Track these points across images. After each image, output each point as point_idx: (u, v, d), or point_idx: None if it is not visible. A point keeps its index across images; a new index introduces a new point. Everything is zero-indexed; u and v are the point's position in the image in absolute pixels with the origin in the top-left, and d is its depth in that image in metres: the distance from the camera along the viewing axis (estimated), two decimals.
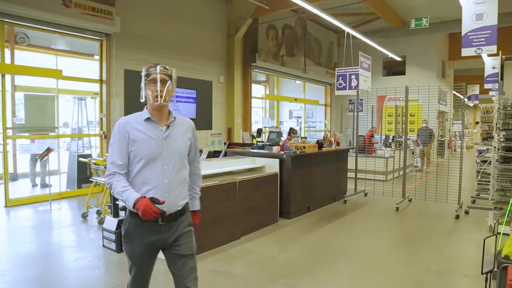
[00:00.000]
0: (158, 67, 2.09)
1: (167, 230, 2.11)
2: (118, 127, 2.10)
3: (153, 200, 1.90)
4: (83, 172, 7.75)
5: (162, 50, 9.08)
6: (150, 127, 2.09)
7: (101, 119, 8.20)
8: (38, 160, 7.24)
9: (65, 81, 7.93)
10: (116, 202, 4.56)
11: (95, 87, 8.39)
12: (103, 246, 4.58)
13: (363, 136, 10.60)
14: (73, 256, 4.32)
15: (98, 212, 5.85)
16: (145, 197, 1.93)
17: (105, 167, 5.34)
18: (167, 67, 2.14)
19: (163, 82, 2.08)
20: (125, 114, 8.24)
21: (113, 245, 4.42)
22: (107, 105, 8.06)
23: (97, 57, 8.39)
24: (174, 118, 2.18)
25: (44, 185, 8.11)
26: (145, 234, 2.08)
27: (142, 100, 2.18)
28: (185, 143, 2.19)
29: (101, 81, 8.15)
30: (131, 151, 2.07)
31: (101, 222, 5.46)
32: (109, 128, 8.07)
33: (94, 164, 5.73)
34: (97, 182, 5.83)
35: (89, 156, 8.04)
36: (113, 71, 8.07)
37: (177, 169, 2.13)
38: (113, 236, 4.40)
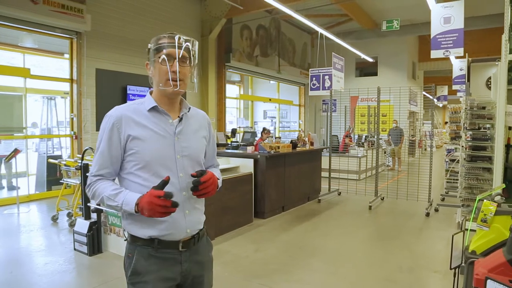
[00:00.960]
0: (176, 38, 1.49)
1: (189, 259, 1.58)
2: (108, 121, 1.51)
3: (157, 187, 1.40)
4: (53, 174, 7.54)
5: (135, 49, 8.92)
6: (156, 121, 1.54)
7: (72, 119, 7.99)
8: (3, 161, 6.98)
9: (33, 80, 7.69)
10: (88, 204, 4.44)
11: (65, 87, 8.16)
12: (74, 249, 4.46)
13: (337, 136, 10.79)
14: (43, 261, 4.18)
15: (69, 215, 5.69)
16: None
17: (76, 168, 5.22)
18: (187, 38, 1.54)
19: (183, 60, 1.51)
20: (97, 114, 8.09)
21: (85, 248, 4.31)
22: (78, 105, 7.86)
23: (67, 55, 8.16)
24: (189, 108, 1.65)
25: (11, 188, 7.83)
26: (161, 267, 1.52)
27: (152, 83, 1.62)
28: (200, 141, 1.67)
29: (71, 80, 7.94)
30: (128, 155, 1.51)
31: (72, 224, 5.32)
32: (80, 129, 7.87)
33: (65, 165, 5.58)
34: (67, 183, 5.67)
35: (59, 157, 7.81)
36: (84, 70, 7.88)
37: None
38: (84, 239, 4.29)
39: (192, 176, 1.49)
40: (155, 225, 1.50)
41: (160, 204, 1.36)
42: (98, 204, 1.24)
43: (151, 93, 1.61)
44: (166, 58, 1.48)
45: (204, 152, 1.70)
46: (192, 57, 1.55)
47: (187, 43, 1.52)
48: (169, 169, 1.51)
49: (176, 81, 1.48)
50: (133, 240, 1.54)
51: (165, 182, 1.40)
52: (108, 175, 1.54)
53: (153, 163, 1.48)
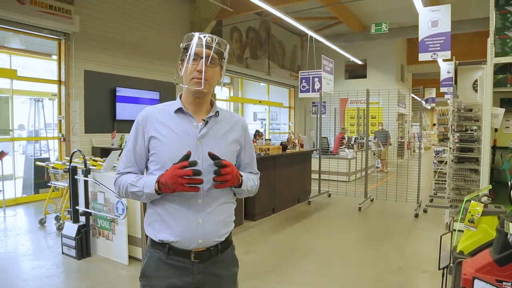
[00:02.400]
0: (204, 38, 1.46)
1: (203, 271, 1.50)
2: (136, 121, 1.53)
3: (183, 158, 1.37)
4: (41, 177, 7.44)
5: (124, 51, 8.86)
6: (180, 122, 1.49)
7: (60, 121, 7.89)
8: None
9: (20, 81, 7.58)
10: (76, 207, 4.39)
11: (53, 88, 8.06)
12: (63, 253, 4.40)
13: (327, 138, 10.85)
14: (30, 265, 4.11)
15: (57, 218, 5.62)
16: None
17: (64, 171, 5.16)
18: (218, 39, 1.50)
19: (211, 61, 1.46)
20: (86, 116, 8.02)
21: (73, 252, 4.25)
22: (66, 107, 7.77)
23: (55, 57, 8.07)
24: (217, 112, 1.57)
25: None
26: (171, 274, 1.48)
27: (176, 83, 1.61)
28: (228, 147, 1.55)
29: (59, 82, 7.84)
30: (150, 155, 1.50)
31: (60, 228, 5.25)
32: (68, 131, 7.78)
33: (53, 168, 5.50)
34: (55, 186, 5.60)
35: (47, 160, 7.71)
36: (72, 71, 7.79)
37: (214, 183, 1.48)
38: (73, 243, 4.24)
39: (210, 155, 1.43)
40: (166, 229, 1.47)
41: (181, 174, 1.33)
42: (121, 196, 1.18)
43: (180, 96, 1.58)
44: (192, 57, 1.45)
45: (234, 158, 1.60)
46: (221, 60, 1.52)
47: (217, 45, 1.47)
48: None
49: (200, 80, 1.44)
50: (149, 242, 1.53)
51: (187, 156, 1.37)
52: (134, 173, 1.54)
53: (169, 164, 1.41)
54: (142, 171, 1.55)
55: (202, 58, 1.44)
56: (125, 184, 1.48)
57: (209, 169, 1.45)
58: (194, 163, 1.35)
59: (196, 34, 1.48)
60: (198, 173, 1.35)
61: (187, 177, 1.34)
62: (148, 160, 1.53)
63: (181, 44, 1.52)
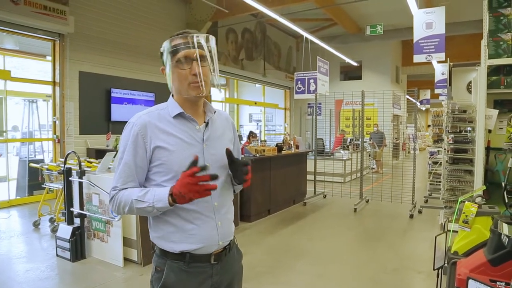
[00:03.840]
0: (193, 38, 1.37)
1: (220, 272, 1.50)
2: (132, 130, 1.42)
3: (192, 164, 1.27)
4: (35, 178, 7.39)
5: (119, 52, 8.84)
6: (183, 127, 1.44)
7: (54, 122, 7.85)
8: None
9: (14, 82, 7.53)
10: (71, 208, 4.37)
11: (48, 89, 8.01)
12: (57, 255, 4.37)
13: (322, 139, 10.90)
14: (24, 268, 4.08)
15: (51, 220, 5.58)
16: None
17: (59, 173, 5.13)
18: (203, 34, 1.41)
19: (201, 59, 1.38)
20: (80, 117, 7.98)
21: (67, 254, 4.23)
22: (60, 108, 7.73)
23: (49, 58, 8.02)
24: (214, 111, 1.55)
25: None
26: (192, 282, 1.44)
27: (171, 88, 1.51)
28: (227, 145, 1.55)
29: (54, 83, 7.80)
30: (155, 166, 1.42)
31: (54, 230, 5.21)
32: (63, 132, 7.74)
33: (47, 169, 5.47)
34: (50, 188, 5.56)
35: (41, 161, 7.67)
36: (67, 72, 7.76)
37: (224, 183, 1.51)
38: (67, 245, 4.21)
39: (227, 152, 1.45)
40: (187, 239, 1.42)
41: (197, 181, 1.24)
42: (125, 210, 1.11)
43: (173, 96, 1.50)
44: (184, 61, 1.38)
45: None
46: (210, 54, 1.41)
47: (201, 39, 1.39)
48: None
49: (199, 84, 1.37)
50: (163, 253, 1.45)
51: (194, 162, 1.27)
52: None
53: (181, 173, 1.32)
54: (141, 183, 1.45)
55: (193, 60, 1.38)
56: (127, 200, 1.37)
57: (219, 170, 1.45)
58: (205, 168, 1.27)
59: (180, 35, 1.40)
60: (216, 177, 1.28)
61: (202, 183, 1.26)
62: (149, 171, 1.44)
63: (162, 47, 1.43)
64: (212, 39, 1.43)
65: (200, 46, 1.39)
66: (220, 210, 1.48)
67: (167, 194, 1.31)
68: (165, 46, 1.42)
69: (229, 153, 1.45)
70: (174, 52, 1.39)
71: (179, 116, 1.45)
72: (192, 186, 1.25)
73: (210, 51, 1.41)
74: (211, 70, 1.43)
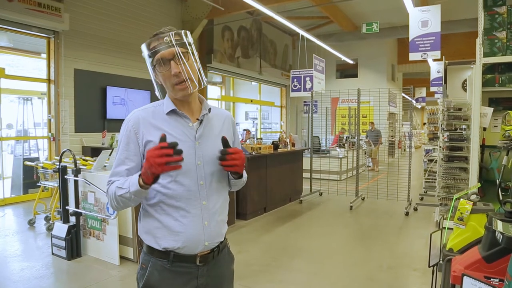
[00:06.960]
0: (167, 37, 1.36)
1: (206, 273, 1.47)
2: (126, 126, 1.43)
3: (160, 141, 1.24)
4: (30, 177, 7.35)
5: (115, 50, 8.79)
6: (176, 124, 1.44)
7: (49, 120, 7.81)
8: None
9: (8, 80, 7.48)
10: (66, 207, 4.35)
11: (43, 87, 7.97)
12: (52, 254, 4.35)
13: (318, 137, 10.92)
14: (19, 266, 4.06)
15: (47, 218, 5.56)
16: None
17: (54, 171, 5.10)
18: (175, 31, 1.39)
19: (180, 56, 1.36)
20: (76, 115, 7.94)
21: (63, 252, 4.22)
22: (55, 106, 7.70)
23: (44, 55, 7.98)
24: (209, 109, 1.53)
25: None
26: (176, 282, 1.42)
27: (158, 95, 1.52)
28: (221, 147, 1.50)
29: (48, 80, 7.76)
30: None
31: (50, 228, 5.19)
32: (58, 130, 7.71)
33: (42, 167, 5.44)
34: (45, 186, 5.54)
35: (37, 159, 7.62)
36: (62, 70, 7.72)
37: (216, 183, 1.48)
38: (63, 243, 4.20)
39: (223, 140, 1.42)
40: (170, 236, 1.40)
41: (158, 154, 1.20)
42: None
43: (168, 95, 1.49)
44: (162, 63, 1.37)
45: None
46: (189, 47, 1.40)
47: (177, 38, 1.37)
48: (189, 176, 1.40)
49: (183, 82, 1.37)
50: (149, 251, 1.44)
51: (162, 138, 1.24)
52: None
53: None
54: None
55: (171, 59, 1.36)
56: (113, 190, 1.37)
57: (211, 169, 1.45)
58: (174, 145, 1.22)
59: (154, 37, 1.39)
60: (179, 152, 1.22)
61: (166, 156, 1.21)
62: (142, 166, 1.38)
63: (142, 52, 1.42)
64: (188, 34, 1.42)
65: (179, 44, 1.37)
66: (208, 210, 1.44)
67: (137, 177, 1.30)
68: (143, 51, 1.42)
69: (225, 141, 1.42)
70: (151, 55, 1.39)
71: (172, 112, 1.45)
72: (154, 159, 1.20)
73: (189, 45, 1.40)
74: (195, 62, 1.42)
